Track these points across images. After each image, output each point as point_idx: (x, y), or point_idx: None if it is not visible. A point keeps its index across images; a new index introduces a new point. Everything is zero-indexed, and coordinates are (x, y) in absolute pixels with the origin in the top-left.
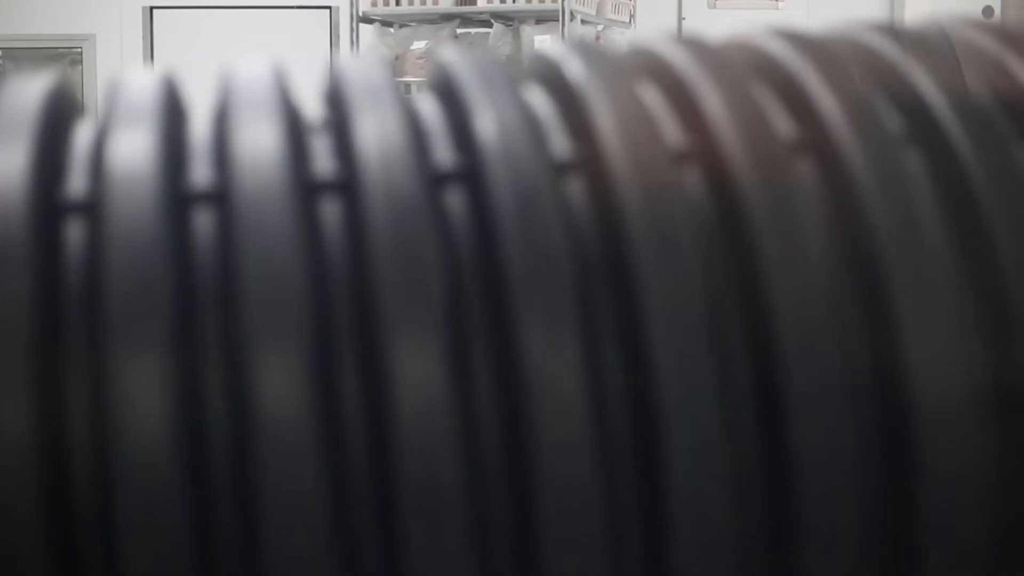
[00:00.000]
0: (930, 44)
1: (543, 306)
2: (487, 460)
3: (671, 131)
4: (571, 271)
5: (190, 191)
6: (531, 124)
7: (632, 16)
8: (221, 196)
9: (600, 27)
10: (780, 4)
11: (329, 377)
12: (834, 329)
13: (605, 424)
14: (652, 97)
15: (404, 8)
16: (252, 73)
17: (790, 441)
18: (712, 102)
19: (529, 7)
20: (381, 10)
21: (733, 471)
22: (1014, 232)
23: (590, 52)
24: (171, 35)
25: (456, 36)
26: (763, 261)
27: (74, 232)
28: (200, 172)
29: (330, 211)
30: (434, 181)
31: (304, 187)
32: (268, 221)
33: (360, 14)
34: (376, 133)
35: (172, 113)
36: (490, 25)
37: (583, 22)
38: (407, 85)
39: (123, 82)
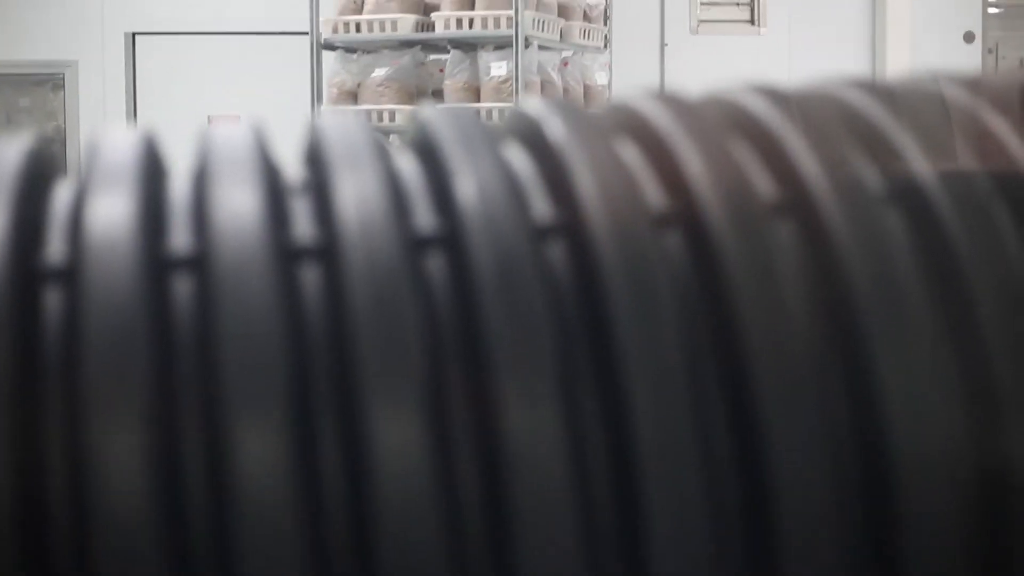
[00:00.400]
0: (910, 101)
1: (523, 372)
2: (468, 525)
3: (652, 192)
4: (551, 337)
5: (169, 257)
6: (511, 187)
7: (607, 41)
8: (200, 262)
9: (569, 53)
10: (762, 30)
11: (308, 443)
12: (814, 391)
13: (586, 488)
14: (632, 156)
15: (364, 35)
16: (231, 135)
17: (771, 502)
18: (692, 163)
19: (485, 33)
20: (342, 37)
21: (714, 531)
22: (994, 293)
23: (569, 111)
24: (153, 61)
25: (420, 63)
26: (743, 324)
27: (53, 298)
28: (179, 237)
29: (310, 276)
30: (414, 246)
31: (283, 253)
32: (247, 288)
33: (323, 41)
34: (356, 197)
35: (152, 174)
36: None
37: (542, 48)
38: (375, 113)
39: (103, 142)
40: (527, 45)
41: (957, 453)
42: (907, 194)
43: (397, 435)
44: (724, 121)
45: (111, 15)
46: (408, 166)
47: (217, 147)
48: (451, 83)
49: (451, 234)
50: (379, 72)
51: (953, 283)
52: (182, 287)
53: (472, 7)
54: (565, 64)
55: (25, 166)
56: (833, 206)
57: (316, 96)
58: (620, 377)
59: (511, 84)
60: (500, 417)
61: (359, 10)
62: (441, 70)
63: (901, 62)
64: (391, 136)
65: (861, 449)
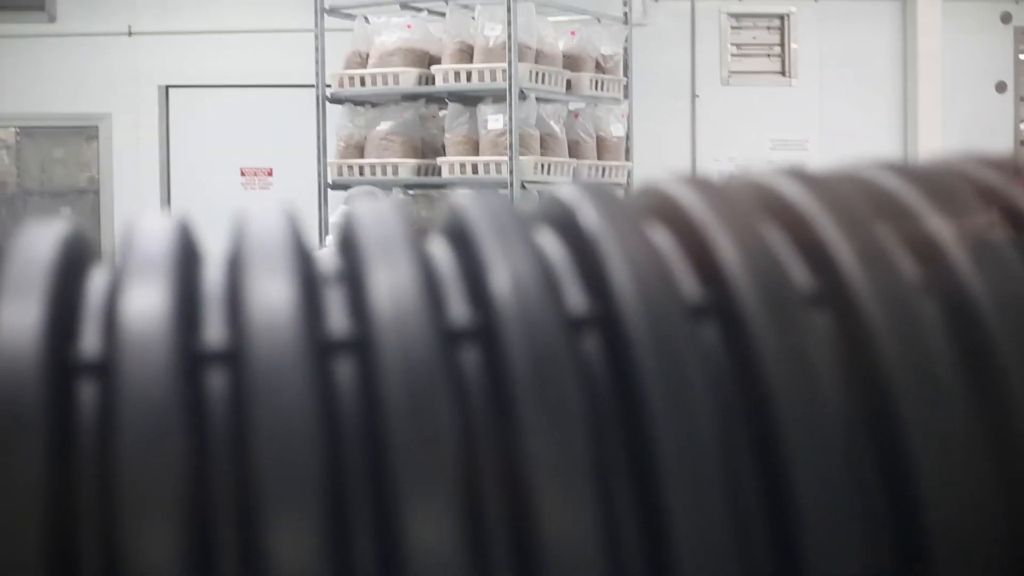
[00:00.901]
0: (944, 184)
1: (559, 468)
2: None
3: (686, 280)
4: (586, 431)
5: (203, 351)
6: (545, 278)
7: (627, 92)
8: (234, 356)
9: (581, 105)
10: (793, 81)
11: (342, 540)
12: (850, 482)
13: None
14: (666, 243)
15: (368, 88)
16: (265, 221)
17: None
18: (727, 251)
19: (482, 86)
20: (347, 90)
21: None
22: None
23: (603, 197)
24: (185, 112)
25: (422, 116)
26: (779, 415)
27: (87, 392)
28: (214, 329)
29: (344, 369)
30: (448, 339)
31: (317, 347)
32: (281, 383)
33: (329, 95)
34: (390, 288)
35: (186, 264)
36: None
37: (545, 100)
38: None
39: (137, 229)
40: (523, 98)
41: (993, 536)
42: (942, 281)
43: (431, 532)
44: (757, 206)
45: (145, 69)
46: (441, 254)
47: (251, 234)
48: (451, 136)
49: (485, 327)
50: (384, 125)
51: (989, 370)
52: (216, 381)
53: (471, 60)
54: (576, 116)
55: (60, 256)
56: (869, 296)
57: (322, 149)
58: (655, 471)
59: (507, 137)
60: (536, 513)
61: (364, 64)
62: None
63: (933, 112)
64: (394, 189)
65: (897, 536)
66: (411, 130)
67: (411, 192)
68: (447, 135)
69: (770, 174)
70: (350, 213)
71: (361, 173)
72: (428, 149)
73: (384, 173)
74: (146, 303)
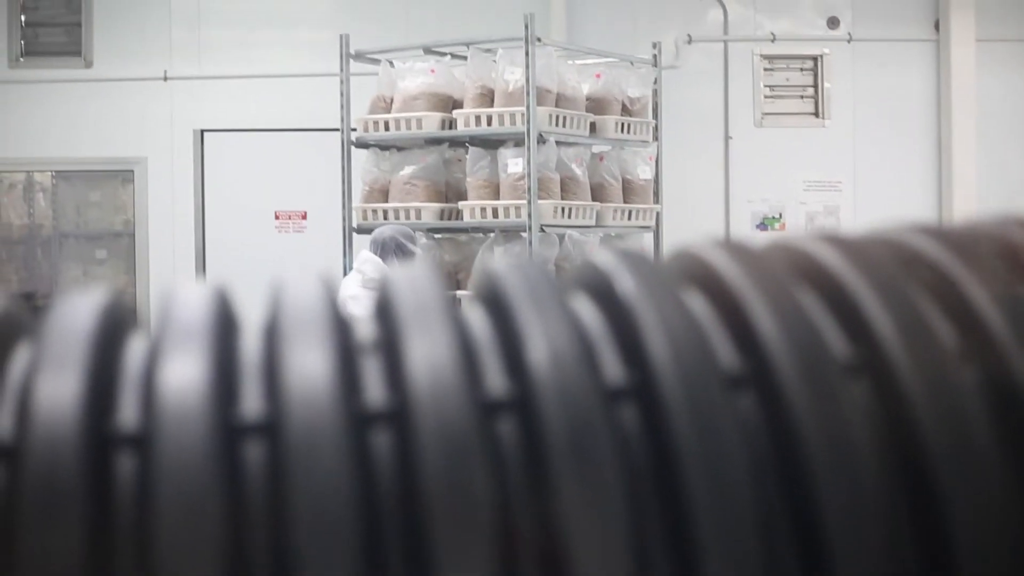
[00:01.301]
0: (979, 249)
1: (597, 540)
2: None
3: (723, 349)
4: (624, 503)
5: (240, 423)
6: (582, 348)
7: (655, 134)
8: (272, 428)
9: (605, 148)
10: (826, 122)
11: None
12: (890, 556)
13: None
14: (702, 310)
15: (392, 133)
16: (302, 292)
17: None
18: (763, 319)
19: (502, 130)
20: (372, 135)
21: None
22: None
23: (638, 263)
24: (220, 156)
25: (446, 160)
26: (817, 487)
27: (125, 465)
28: (251, 401)
29: (381, 439)
30: (485, 410)
31: (355, 419)
32: (319, 456)
33: (354, 139)
34: (426, 359)
35: (223, 334)
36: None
37: (566, 143)
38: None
39: (175, 298)
40: (543, 141)
41: None
42: (980, 350)
43: None
44: (792, 272)
45: (180, 113)
46: (478, 323)
47: (288, 303)
48: (472, 180)
49: (522, 398)
50: (407, 169)
51: None
52: (254, 453)
53: (492, 104)
54: (600, 159)
55: (98, 327)
56: (907, 366)
57: (347, 193)
58: (692, 542)
59: (526, 181)
60: None
61: (388, 108)
62: None
63: (967, 152)
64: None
65: None
66: (434, 174)
67: (435, 236)
68: (469, 179)
69: (805, 239)
70: (386, 280)
71: (385, 217)
72: (452, 192)
73: (408, 217)
74: (184, 375)
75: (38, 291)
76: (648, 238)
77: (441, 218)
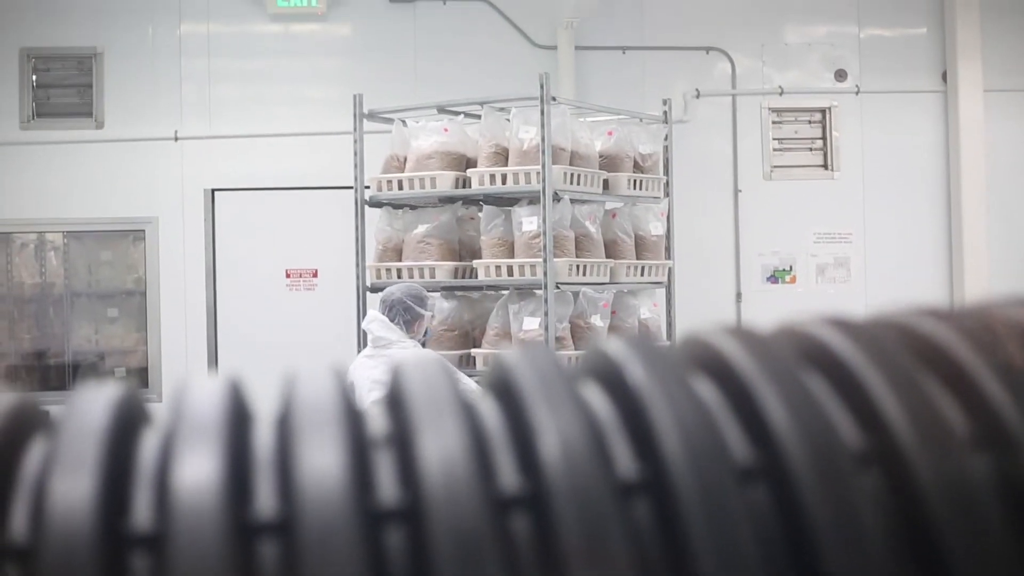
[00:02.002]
0: (989, 332)
1: None
2: None
3: (734, 439)
4: None
5: (254, 522)
6: (594, 441)
7: (667, 190)
8: (286, 527)
9: (618, 205)
10: (836, 175)
11: None
12: None
13: None
14: (713, 399)
15: (406, 192)
16: (314, 385)
17: None
18: (775, 412)
19: (516, 188)
20: (385, 194)
21: None
22: None
23: (649, 351)
24: (230, 215)
25: (459, 218)
26: None
27: (140, 565)
28: (265, 498)
29: (395, 537)
30: (498, 507)
31: (367, 517)
32: (333, 555)
33: (368, 198)
34: (439, 455)
35: (236, 429)
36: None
37: (580, 201)
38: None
39: (188, 393)
40: (557, 199)
41: None
42: (992, 438)
43: None
44: (802, 358)
45: (190, 173)
46: (490, 415)
47: (300, 398)
48: (487, 239)
49: (535, 494)
50: (421, 228)
51: None
52: (268, 551)
53: (506, 163)
54: (613, 216)
55: (112, 424)
56: (919, 456)
57: (361, 252)
58: None
59: (541, 239)
60: None
61: (402, 167)
62: None
63: (977, 203)
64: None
65: None
66: (448, 232)
67: (454, 294)
68: (483, 237)
69: (814, 323)
70: (397, 370)
71: (399, 276)
72: (465, 250)
73: (422, 275)
74: (197, 474)
75: (50, 350)
76: (660, 294)
77: (455, 276)
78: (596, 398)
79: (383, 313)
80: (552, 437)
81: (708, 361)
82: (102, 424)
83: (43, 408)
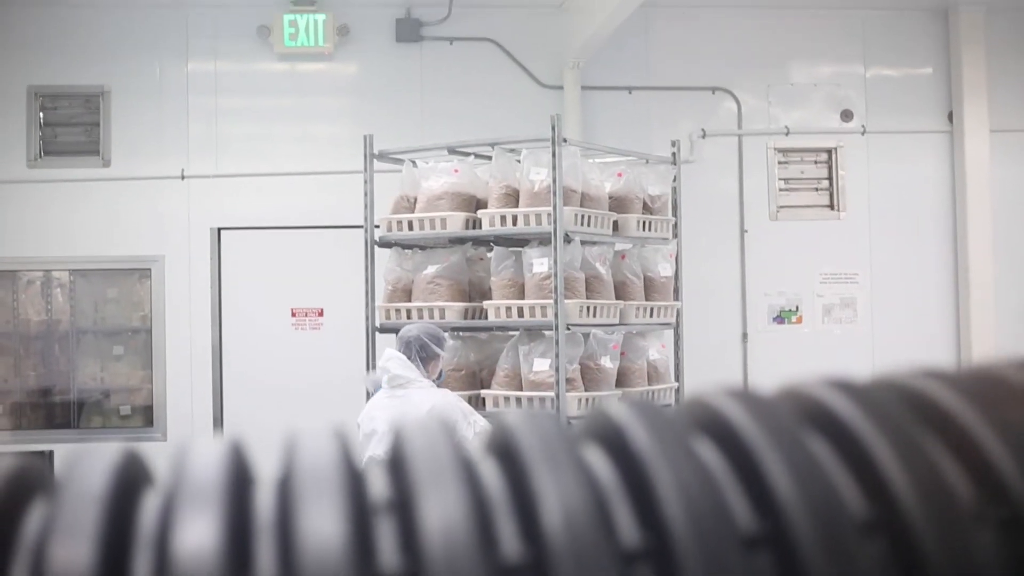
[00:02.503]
0: (992, 394)
1: None
2: None
3: (737, 503)
4: None
5: None
6: (597, 509)
7: (675, 231)
8: None
9: (628, 246)
10: (842, 214)
11: None
12: None
13: None
14: (715, 461)
15: (416, 232)
16: (316, 450)
17: None
18: (779, 479)
19: (527, 230)
20: (395, 235)
21: None
22: None
23: (650, 414)
24: (237, 253)
25: (469, 258)
26: None
27: None
28: (265, 565)
29: None
30: (500, 575)
31: None
32: None
33: (377, 238)
34: (440, 521)
35: (237, 491)
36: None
37: (590, 242)
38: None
39: (189, 456)
40: (568, 241)
41: None
42: (996, 503)
43: None
44: (805, 422)
45: (197, 211)
46: (492, 479)
47: (302, 462)
48: (497, 280)
49: (538, 563)
50: (431, 269)
51: None
52: None
53: (517, 204)
54: (623, 257)
55: (111, 487)
56: (924, 524)
57: (370, 293)
58: None
59: (552, 281)
60: None
61: (412, 207)
62: None
63: (983, 242)
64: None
65: None
66: (458, 273)
67: (459, 334)
68: (493, 278)
69: (817, 385)
70: (400, 435)
71: (409, 316)
72: (475, 291)
73: (432, 316)
74: (197, 541)
75: (55, 387)
76: (668, 335)
77: (465, 317)
78: (599, 462)
79: (400, 350)
80: (554, 503)
81: (711, 424)
82: (102, 489)
83: (44, 471)
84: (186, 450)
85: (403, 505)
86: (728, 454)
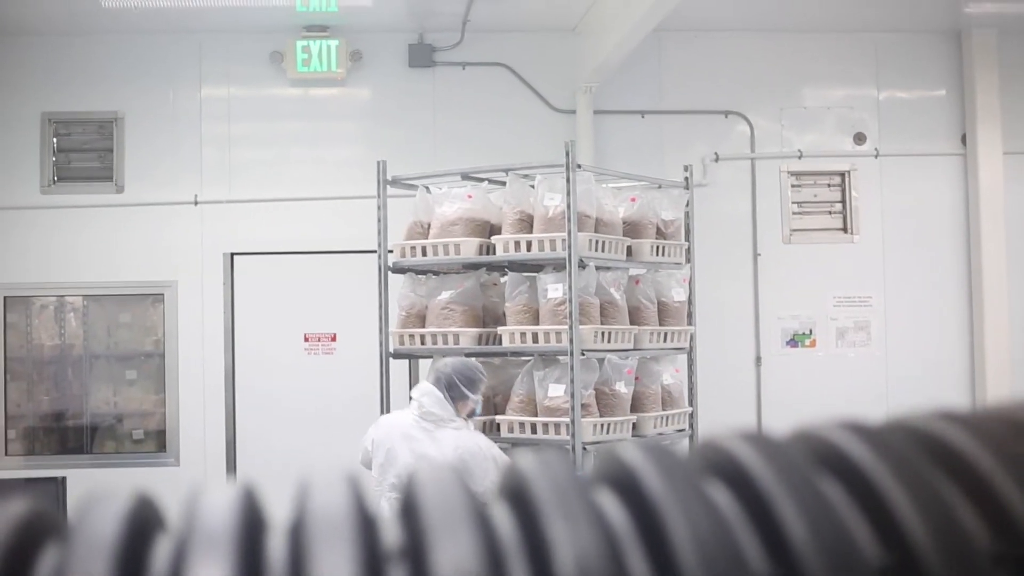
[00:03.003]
0: (1008, 437)
1: None
2: None
3: (750, 548)
4: None
5: None
6: (611, 556)
7: (688, 256)
8: None
9: (641, 271)
10: (855, 238)
11: None
12: None
13: None
14: (728, 506)
15: (430, 258)
16: (329, 490)
17: None
18: (793, 524)
19: (542, 255)
20: (409, 260)
21: None
22: None
23: (663, 458)
24: (249, 278)
25: (483, 284)
26: None
27: None
28: None
29: None
30: None
31: None
32: None
33: (391, 264)
34: (453, 570)
35: (250, 539)
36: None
37: (604, 268)
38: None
39: (201, 504)
40: (582, 266)
41: None
42: (1012, 546)
43: None
44: (819, 465)
45: (210, 237)
46: (504, 525)
47: (314, 510)
48: (511, 305)
49: None
50: (445, 295)
51: None
52: None
53: (531, 230)
54: (636, 282)
55: (122, 535)
56: (940, 568)
57: (384, 318)
58: None
59: (567, 306)
60: None
61: (425, 233)
62: None
63: (998, 265)
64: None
65: None
66: (472, 298)
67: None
68: (507, 304)
69: (830, 428)
70: (412, 480)
71: (422, 342)
72: (489, 317)
73: (446, 342)
74: None
75: (69, 411)
76: (682, 359)
77: (479, 343)
78: (612, 508)
79: (435, 385)
80: (567, 551)
81: (724, 468)
82: (114, 536)
83: (55, 516)
84: (198, 495)
85: (415, 552)
86: (741, 498)
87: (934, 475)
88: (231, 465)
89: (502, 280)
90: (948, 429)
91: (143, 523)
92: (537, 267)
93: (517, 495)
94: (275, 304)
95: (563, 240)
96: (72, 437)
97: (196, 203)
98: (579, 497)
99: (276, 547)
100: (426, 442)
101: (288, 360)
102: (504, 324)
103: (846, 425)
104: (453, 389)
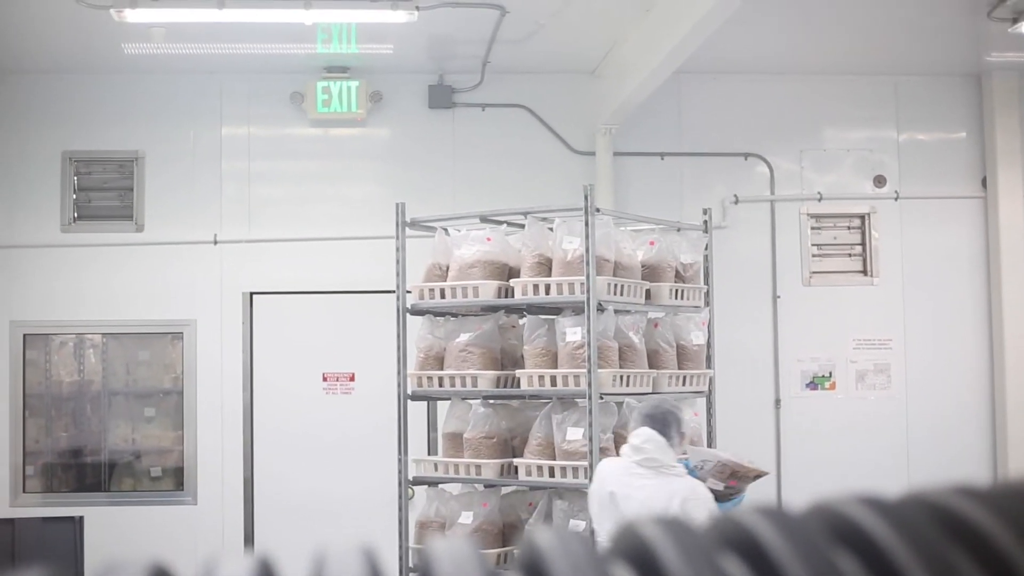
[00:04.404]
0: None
1: None
2: None
3: None
4: None
5: None
6: None
7: (707, 299)
8: None
9: (660, 315)
10: (875, 280)
11: None
12: None
13: None
14: None
15: (448, 300)
16: (344, 566)
17: None
18: None
19: (560, 298)
20: (427, 303)
21: None
22: None
23: (681, 533)
24: (268, 318)
25: (501, 326)
26: None
27: None
28: None
29: None
30: None
31: None
32: None
33: (409, 306)
34: None
35: None
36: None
37: (624, 311)
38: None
39: (218, 572)
40: (601, 310)
41: None
42: None
43: None
44: (834, 540)
45: (229, 276)
46: None
47: None
48: (530, 348)
49: None
50: (463, 337)
51: None
52: None
53: (549, 272)
54: (655, 326)
55: None
56: None
57: (402, 360)
58: None
59: (585, 350)
60: None
61: (444, 275)
62: None
63: (1018, 308)
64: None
65: None
66: (490, 341)
67: (491, 402)
68: (526, 347)
69: (846, 502)
70: (427, 555)
71: (441, 384)
72: (507, 359)
73: (464, 384)
74: None
75: (87, 447)
76: (701, 402)
77: (497, 385)
78: None
79: (654, 428)
80: None
81: (740, 542)
82: None
83: None
84: (214, 567)
85: None
86: (757, 573)
87: (952, 551)
88: (248, 504)
89: (520, 322)
90: (966, 504)
91: None
92: (556, 310)
93: (534, 572)
94: (294, 343)
95: (581, 284)
96: (90, 474)
97: (216, 242)
98: (597, 573)
99: None
100: (652, 488)
101: (307, 399)
102: (522, 367)
103: (863, 499)
104: (683, 424)
